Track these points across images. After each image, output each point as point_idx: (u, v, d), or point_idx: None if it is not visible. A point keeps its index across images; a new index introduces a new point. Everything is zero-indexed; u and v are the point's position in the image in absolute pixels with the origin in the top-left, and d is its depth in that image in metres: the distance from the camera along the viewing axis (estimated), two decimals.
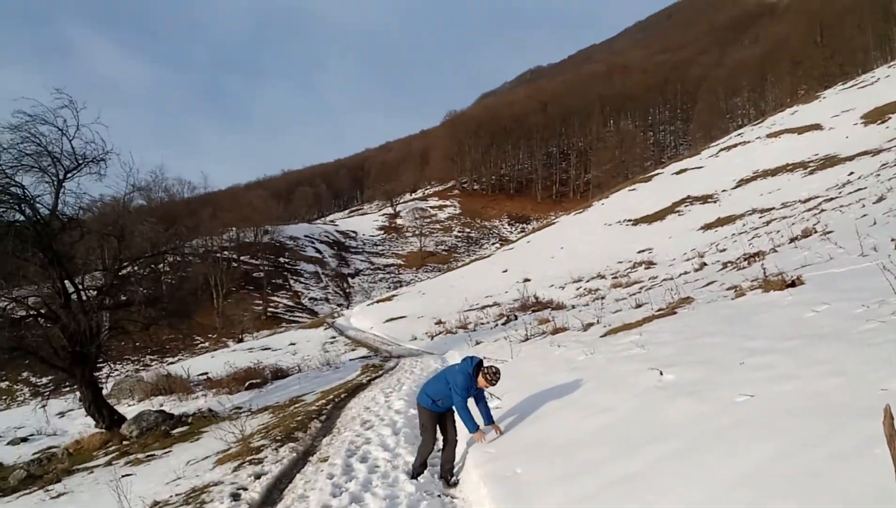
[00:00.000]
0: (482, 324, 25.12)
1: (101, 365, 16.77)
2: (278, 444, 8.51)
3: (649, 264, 30.16)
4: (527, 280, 37.27)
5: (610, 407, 5.60)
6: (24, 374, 49.53)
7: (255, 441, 9.03)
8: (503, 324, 22.16)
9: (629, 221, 46.68)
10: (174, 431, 14.21)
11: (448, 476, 6.19)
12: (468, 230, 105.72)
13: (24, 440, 19.21)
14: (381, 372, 17.87)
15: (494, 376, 6.15)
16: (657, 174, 62.70)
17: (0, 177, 14.09)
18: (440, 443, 6.39)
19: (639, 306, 13.25)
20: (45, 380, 40.11)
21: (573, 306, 21.85)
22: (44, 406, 16.94)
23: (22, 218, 14.64)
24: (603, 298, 22.30)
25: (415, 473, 6.34)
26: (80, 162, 14.88)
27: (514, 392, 7.82)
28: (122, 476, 10.22)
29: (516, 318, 22.75)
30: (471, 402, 6.31)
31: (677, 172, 57.17)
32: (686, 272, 21.25)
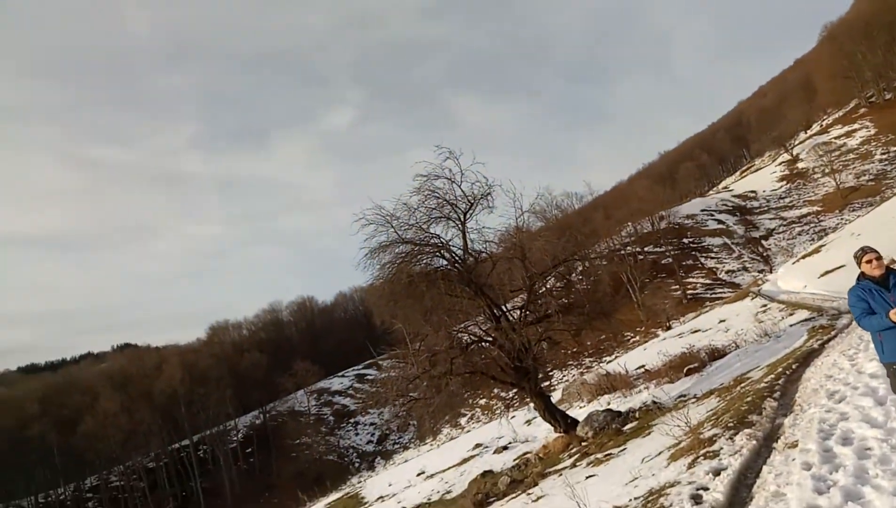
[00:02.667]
0: None
1: (549, 374, 17.99)
2: (732, 432, 7.43)
3: None
4: None
5: None
6: (496, 391, 57.93)
7: (705, 432, 8.10)
8: None
9: None
10: (625, 427, 14.15)
11: None
12: (894, 148, 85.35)
13: (505, 448, 21.72)
14: (833, 333, 15.03)
15: (864, 250, 4.88)
16: None
17: (419, 233, 16.41)
18: None
19: None
20: (511, 394, 46.03)
21: None
22: (511, 417, 18.83)
23: (444, 262, 16.77)
24: None
25: None
26: (473, 202, 16.42)
27: None
28: (587, 478, 10.39)
29: None
30: None
31: None
32: None
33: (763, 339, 19.98)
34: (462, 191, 16.40)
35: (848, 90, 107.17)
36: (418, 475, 24.54)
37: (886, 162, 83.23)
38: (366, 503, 24.43)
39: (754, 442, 6.80)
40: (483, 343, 16.61)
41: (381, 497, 23.85)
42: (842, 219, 71.12)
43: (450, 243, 16.87)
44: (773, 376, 11.35)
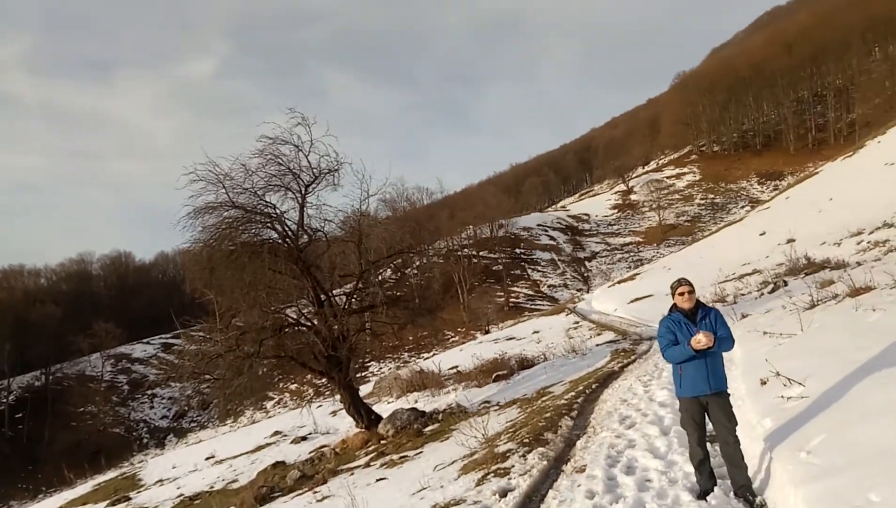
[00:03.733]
0: (742, 295, 22.01)
1: (367, 364, 17.55)
2: (526, 448, 7.47)
3: None
4: (791, 241, 32.13)
5: None
6: (309, 377, 56.36)
7: (500, 445, 8.12)
8: (770, 292, 18.99)
9: None
10: (426, 429, 14.12)
11: (748, 494, 4.55)
12: (711, 196, 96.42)
13: (304, 438, 20.97)
14: (633, 357, 16.19)
15: (680, 282, 5.00)
16: None
17: (253, 199, 15.22)
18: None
19: None
20: (323, 382, 44.98)
21: (857, 264, 17.86)
22: (317, 406, 18.20)
23: (275, 235, 15.73)
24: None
25: (702, 490, 4.82)
26: (318, 175, 15.55)
27: (821, 375, 5.81)
28: (377, 480, 10.11)
29: (786, 284, 19.32)
30: None
31: None
32: None
33: (570, 355, 21.14)
34: (308, 162, 15.46)
35: (685, 136, 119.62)
36: (207, 459, 23.01)
37: (703, 207, 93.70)
38: (142, 486, 22.38)
39: (545, 463, 6.87)
40: (299, 328, 15.80)
41: (161, 480, 22.01)
42: (658, 252, 78.66)
43: (284, 216, 15.86)
44: (573, 393, 11.84)
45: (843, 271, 16.57)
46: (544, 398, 12.76)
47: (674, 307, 5.04)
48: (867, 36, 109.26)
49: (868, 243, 23.72)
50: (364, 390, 28.63)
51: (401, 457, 11.45)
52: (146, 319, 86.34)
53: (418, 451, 11.51)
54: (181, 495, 17.79)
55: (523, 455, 7.21)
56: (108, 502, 21.52)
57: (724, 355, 5.02)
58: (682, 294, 4.94)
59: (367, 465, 12.09)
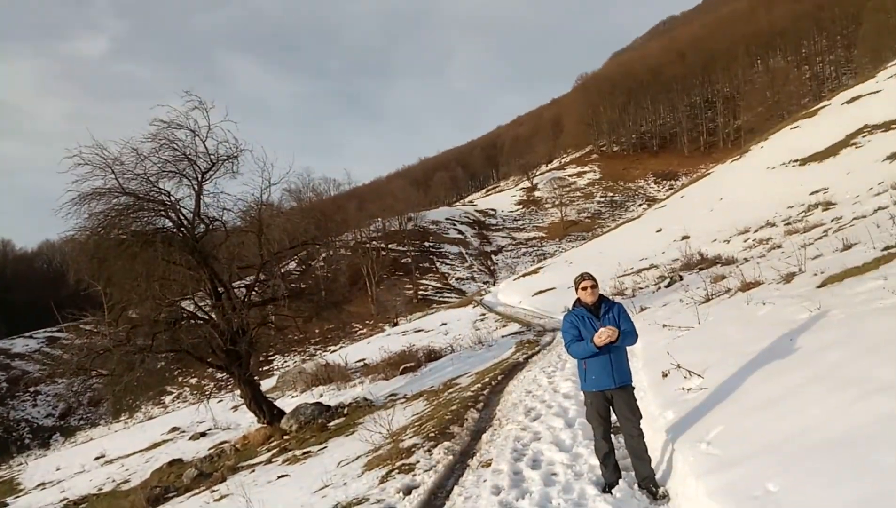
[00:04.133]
0: (640, 289, 22.99)
1: (270, 359, 16.90)
2: (432, 443, 7.37)
3: (827, 204, 26.08)
4: (685, 237, 34.02)
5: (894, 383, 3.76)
6: (210, 371, 53.94)
7: (406, 439, 7.98)
8: (666, 287, 19.93)
9: (796, 161, 41.08)
10: (331, 423, 13.81)
11: (651, 486, 4.63)
12: (611, 194, 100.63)
13: (203, 434, 20.08)
14: (537, 348, 16.51)
15: (583, 277, 5.01)
16: (823, 107, 54.88)
17: (145, 185, 14.29)
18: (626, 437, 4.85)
19: (848, 246, 10.68)
20: (224, 377, 43.11)
21: (745, 260, 19.09)
22: (218, 401, 17.39)
23: (169, 224, 14.85)
24: (779, 247, 19.33)
25: (607, 483, 4.84)
26: (215, 161, 14.82)
27: (718, 367, 6.04)
28: (279, 477, 9.75)
29: (681, 279, 20.36)
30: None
31: (848, 101, 49.52)
32: (884, 207, 17.65)
33: (477, 346, 21.34)
34: (206, 147, 14.70)
35: (587, 136, 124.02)
36: (96, 458, 21.61)
37: (603, 204, 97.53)
38: (21, 490, 20.70)
39: (451, 457, 6.77)
40: (196, 321, 14.99)
41: (43, 483, 20.43)
42: (560, 247, 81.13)
43: (180, 204, 15.01)
44: (479, 385, 11.89)
45: (733, 266, 17.61)
46: (451, 390, 12.76)
47: (577, 302, 5.02)
48: (751, 49, 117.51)
49: (754, 240, 25.39)
50: (267, 384, 27.79)
51: (304, 453, 11.12)
52: (30, 311, 79.92)
53: (322, 446, 11.21)
54: (65, 499, 16.60)
55: (429, 450, 7.11)
56: None
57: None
58: (585, 289, 4.91)
59: (269, 462, 11.67)
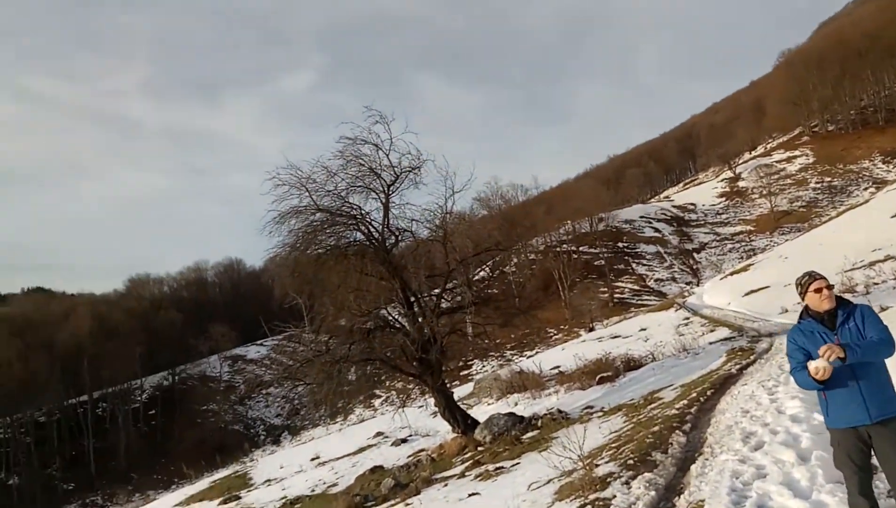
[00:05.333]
0: (876, 284, 19.53)
1: (469, 363, 16.94)
2: (630, 473, 6.39)
3: None
4: None
5: None
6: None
7: (601, 465, 7.08)
8: None
9: None
10: (524, 436, 13.22)
11: None
12: (828, 179, 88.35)
13: (404, 441, 20.59)
14: (752, 357, 14.51)
15: (812, 277, 3.69)
16: None
17: (337, 201, 14.94)
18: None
19: None
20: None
21: None
22: (419, 406, 17.63)
23: (360, 236, 15.39)
24: None
25: None
26: (399, 173, 15.08)
27: None
28: (470, 495, 9.35)
29: None
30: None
31: None
32: None
33: (681, 354, 19.57)
34: (389, 161, 15.02)
35: (794, 117, 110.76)
36: (312, 460, 23.20)
37: (819, 191, 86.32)
38: (252, 485, 22.86)
39: (653, 493, 5.75)
40: (389, 330, 15.34)
41: (269, 480, 22.38)
42: (771, 241, 73.33)
43: (369, 217, 15.52)
44: (685, 401, 10.57)
45: None
46: (652, 406, 11.52)
47: (805, 311, 3.77)
48: None
49: None
50: (465, 390, 28.06)
51: (496, 469, 10.64)
52: (257, 322, 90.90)
53: (515, 462, 10.66)
54: (284, 497, 17.86)
55: (627, 482, 6.15)
56: (220, 500, 22.11)
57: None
58: (818, 291, 3.65)
59: (462, 475, 11.37)
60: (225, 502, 21.35)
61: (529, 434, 13.27)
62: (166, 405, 73.59)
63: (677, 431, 8.01)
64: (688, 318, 32.06)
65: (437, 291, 15.96)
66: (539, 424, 13.94)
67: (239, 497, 21.13)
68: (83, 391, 69.96)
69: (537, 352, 47.24)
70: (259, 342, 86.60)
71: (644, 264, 79.25)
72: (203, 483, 30.40)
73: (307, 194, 14.58)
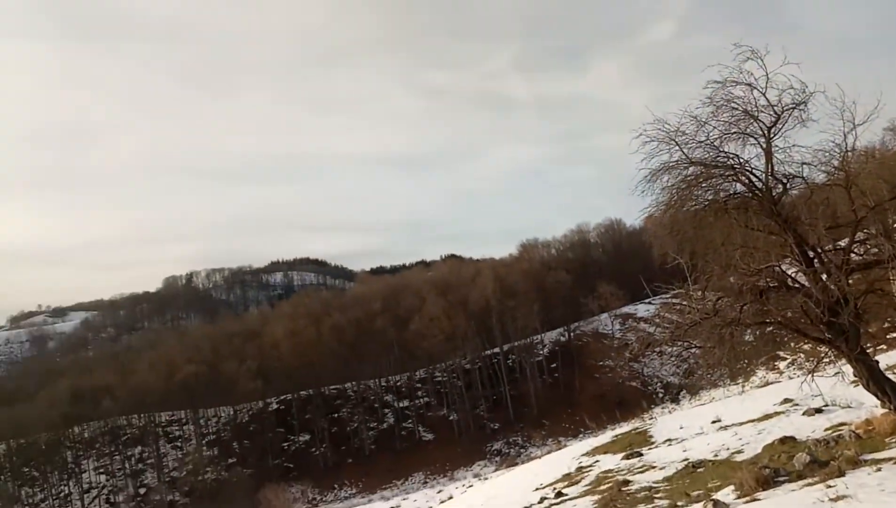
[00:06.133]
0: None
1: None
2: None
3: None
4: None
5: None
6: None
7: None
8: None
9: None
10: None
11: None
12: None
13: (819, 410, 18.18)
14: None
15: None
16: None
17: (709, 151, 13.83)
18: None
19: None
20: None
21: None
22: (836, 373, 15.41)
23: (740, 188, 13.99)
24: None
25: None
26: (780, 113, 13.19)
27: None
28: None
29: None
30: None
31: None
32: None
33: None
34: (767, 99, 13.22)
35: None
36: (713, 422, 22.23)
37: None
38: (652, 443, 22.97)
39: None
40: (785, 289, 13.57)
41: (669, 440, 22.19)
42: None
43: (748, 165, 13.98)
44: None
45: None
46: None
47: None
48: None
49: None
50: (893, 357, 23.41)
51: None
52: (640, 282, 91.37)
53: None
54: (686, 459, 17.57)
55: None
56: (623, 454, 22.90)
57: None
58: None
59: None
60: (628, 458, 21.98)
61: None
62: (565, 359, 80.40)
63: None
64: None
65: (843, 243, 13.53)
66: None
67: (641, 454, 21.51)
68: (495, 344, 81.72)
69: None
70: (647, 300, 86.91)
71: None
72: (606, 437, 31.84)
73: (677, 147, 13.81)
